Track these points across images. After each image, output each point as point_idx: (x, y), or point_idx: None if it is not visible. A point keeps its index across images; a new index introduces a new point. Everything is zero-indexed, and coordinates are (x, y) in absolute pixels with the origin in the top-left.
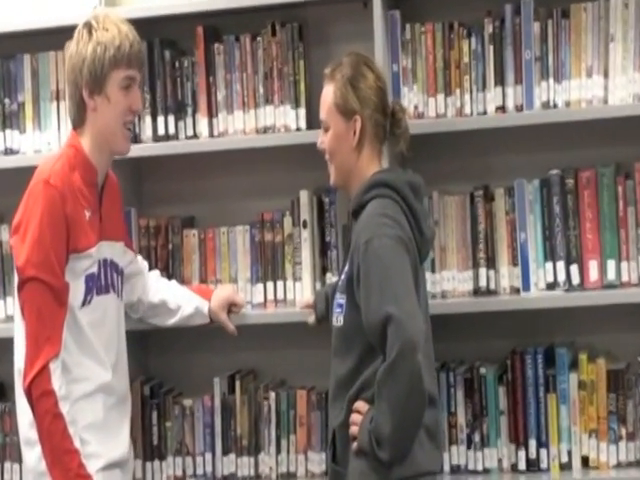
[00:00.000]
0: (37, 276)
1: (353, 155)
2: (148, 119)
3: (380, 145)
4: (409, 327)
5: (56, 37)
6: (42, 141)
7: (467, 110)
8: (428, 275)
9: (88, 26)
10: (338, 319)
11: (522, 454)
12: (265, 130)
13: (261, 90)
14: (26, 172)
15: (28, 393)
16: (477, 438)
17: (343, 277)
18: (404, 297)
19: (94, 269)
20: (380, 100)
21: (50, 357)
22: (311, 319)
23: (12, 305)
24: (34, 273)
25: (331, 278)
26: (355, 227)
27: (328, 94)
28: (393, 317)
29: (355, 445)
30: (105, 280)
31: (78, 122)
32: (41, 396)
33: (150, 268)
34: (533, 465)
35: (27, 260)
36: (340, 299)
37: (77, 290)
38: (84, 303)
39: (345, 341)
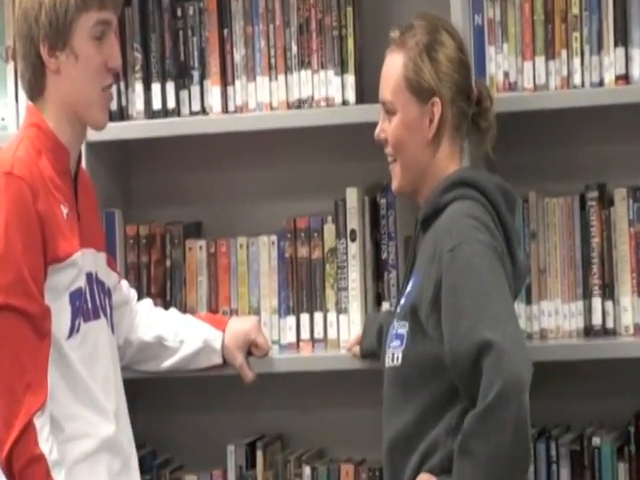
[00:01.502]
0: (7, 303)
1: (427, 150)
2: (139, 87)
3: (462, 140)
4: (515, 359)
5: None
6: None
7: (576, 80)
8: (521, 308)
9: None
10: (395, 356)
11: None
12: (299, 104)
13: (294, 49)
14: None
15: (8, 466)
16: None
17: (404, 301)
18: (507, 320)
19: (80, 283)
20: (463, 78)
21: (33, 411)
22: (355, 350)
23: None
24: (2, 299)
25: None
26: (426, 237)
27: (395, 66)
28: (493, 344)
29: None
30: (92, 301)
31: (37, 92)
32: (27, 465)
33: (140, 295)
34: None
35: None
36: (400, 328)
37: (61, 314)
38: (72, 332)
39: (404, 387)
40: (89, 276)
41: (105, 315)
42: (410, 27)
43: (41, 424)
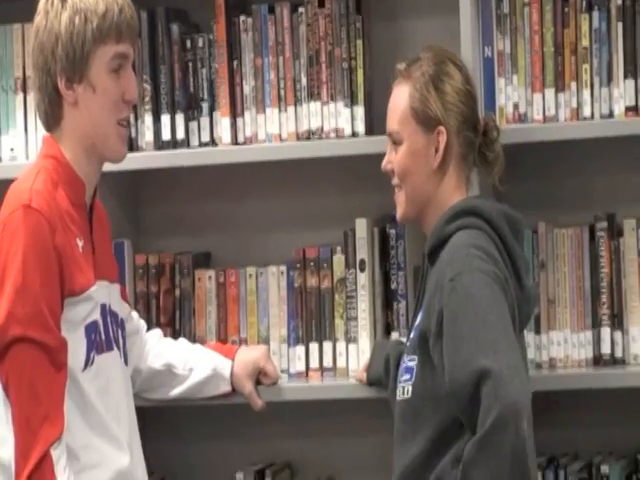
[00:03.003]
0: (25, 335)
1: (432, 180)
2: (148, 119)
3: (468, 171)
4: (512, 386)
5: (21, 4)
6: (3, 146)
7: (586, 112)
8: (530, 337)
9: None
10: (405, 390)
11: None
12: (309, 136)
13: (303, 81)
14: None
15: None
16: None
17: (413, 334)
18: (505, 348)
19: (95, 316)
20: (469, 109)
21: (50, 441)
22: (362, 376)
23: None
24: (21, 331)
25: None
26: (433, 269)
27: (402, 97)
28: (491, 372)
29: None
30: (106, 333)
31: (53, 122)
32: None
33: (149, 324)
34: None
35: (9, 315)
36: (409, 362)
37: (77, 347)
38: (87, 364)
39: (413, 419)
40: (103, 308)
41: (118, 347)
42: (416, 59)
43: (58, 455)
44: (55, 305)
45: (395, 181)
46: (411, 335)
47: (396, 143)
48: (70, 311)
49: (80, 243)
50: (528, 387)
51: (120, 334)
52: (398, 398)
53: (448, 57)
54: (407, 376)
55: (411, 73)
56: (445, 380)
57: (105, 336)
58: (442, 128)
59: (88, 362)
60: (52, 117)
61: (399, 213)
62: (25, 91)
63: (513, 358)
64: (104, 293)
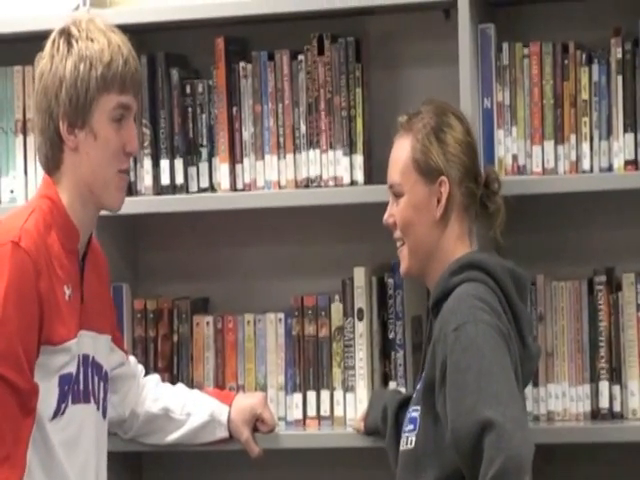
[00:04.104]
0: None
1: (435, 231)
2: (147, 163)
3: (471, 222)
4: (515, 438)
5: (23, 46)
6: (3, 188)
7: (585, 165)
8: (528, 390)
9: (67, 34)
10: (409, 440)
11: None
12: (308, 183)
13: (303, 128)
14: None
15: None
16: None
17: (420, 385)
18: (509, 400)
19: (71, 368)
20: (471, 160)
21: None
22: (359, 425)
23: None
24: None
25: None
26: (437, 320)
27: (403, 149)
28: (494, 424)
29: None
30: (85, 385)
31: (53, 165)
32: None
33: (146, 369)
34: None
35: None
36: (413, 412)
37: (48, 395)
38: (56, 414)
39: (415, 469)
40: (85, 359)
41: (96, 400)
42: (418, 112)
43: None
44: (31, 349)
45: (397, 234)
46: (417, 386)
47: (397, 196)
48: (46, 359)
49: (67, 291)
50: (531, 440)
51: (102, 387)
52: (402, 448)
53: (449, 109)
54: (411, 426)
55: (412, 125)
56: (448, 430)
57: (84, 387)
58: (444, 178)
59: (58, 412)
60: (52, 161)
61: (403, 267)
62: (25, 133)
63: (517, 410)
64: (88, 344)
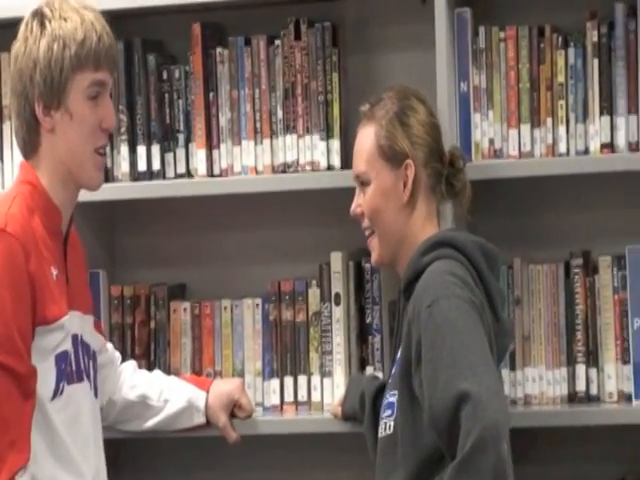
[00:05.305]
0: None
1: (402, 215)
2: (124, 149)
3: (438, 203)
4: (491, 408)
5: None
6: None
7: (562, 148)
8: (505, 373)
9: (40, 15)
10: (387, 426)
11: None
12: (284, 169)
13: (279, 113)
14: None
15: None
16: None
17: (395, 369)
18: (484, 371)
19: (66, 346)
20: (435, 141)
21: (16, 469)
22: (337, 411)
23: None
24: None
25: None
26: (410, 301)
27: (367, 137)
28: (470, 395)
29: None
30: (77, 364)
31: (31, 149)
32: None
33: (123, 355)
34: None
35: None
36: (390, 397)
37: (47, 376)
38: (55, 394)
39: (394, 454)
40: (75, 338)
41: (88, 378)
42: (379, 99)
43: None
44: (26, 332)
45: (366, 223)
46: (392, 371)
47: (364, 184)
48: (41, 340)
49: (54, 271)
50: (507, 408)
51: (92, 366)
52: (380, 435)
53: (410, 92)
54: (389, 412)
55: (375, 113)
56: (425, 409)
57: (76, 367)
58: (410, 161)
59: (57, 392)
60: (29, 144)
61: (374, 257)
62: (1, 120)
63: (492, 379)
64: (76, 324)
